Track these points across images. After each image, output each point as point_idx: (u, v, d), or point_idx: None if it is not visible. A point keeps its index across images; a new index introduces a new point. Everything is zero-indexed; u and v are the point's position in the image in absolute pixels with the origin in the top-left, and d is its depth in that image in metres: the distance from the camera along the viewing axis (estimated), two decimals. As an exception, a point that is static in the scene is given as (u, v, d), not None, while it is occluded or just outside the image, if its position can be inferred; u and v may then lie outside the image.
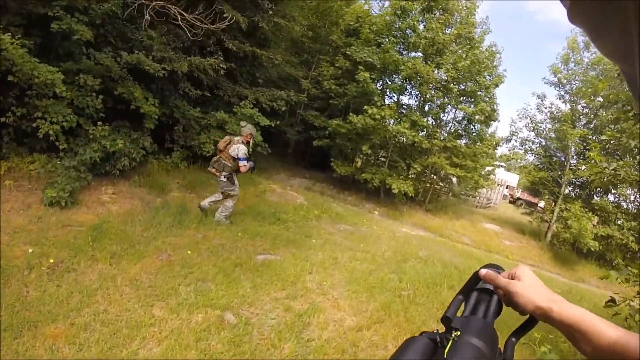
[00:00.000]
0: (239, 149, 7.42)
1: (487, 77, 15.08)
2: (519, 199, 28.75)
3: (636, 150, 7.62)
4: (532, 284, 0.78)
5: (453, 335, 0.72)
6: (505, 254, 13.47)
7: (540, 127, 16.86)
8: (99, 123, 8.01)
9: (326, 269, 6.87)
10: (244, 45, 11.45)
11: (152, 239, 6.71)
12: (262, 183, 12.61)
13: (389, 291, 6.52)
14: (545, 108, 16.99)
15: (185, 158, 10.54)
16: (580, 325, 0.66)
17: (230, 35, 11.29)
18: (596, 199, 15.60)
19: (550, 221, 15.66)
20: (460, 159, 14.69)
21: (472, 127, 16.12)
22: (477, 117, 15.14)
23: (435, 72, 13.91)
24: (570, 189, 16.73)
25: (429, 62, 14.23)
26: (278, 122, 12.26)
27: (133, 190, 8.65)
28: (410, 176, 15.15)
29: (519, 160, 18.06)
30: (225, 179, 7.71)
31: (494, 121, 16.59)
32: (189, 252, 6.38)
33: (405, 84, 14.84)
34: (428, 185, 16.29)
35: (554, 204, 15.98)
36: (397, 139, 14.54)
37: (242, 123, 8.10)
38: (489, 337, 0.73)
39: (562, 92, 16.43)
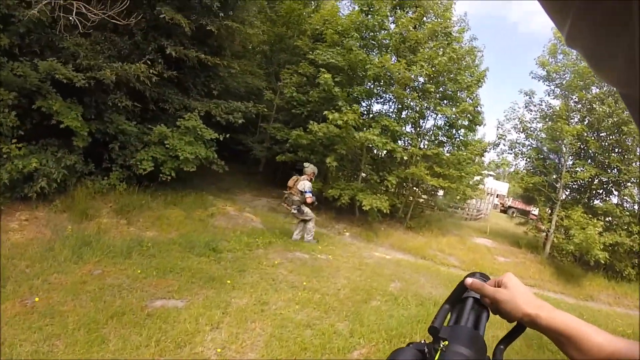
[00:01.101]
0: (305, 185, 8.96)
1: (469, 76, 13.66)
2: (510, 207, 27.17)
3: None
4: (519, 291, 0.78)
5: (441, 345, 0.69)
6: (500, 275, 11.74)
7: (531, 127, 15.30)
8: (14, 141, 7.34)
9: (244, 320, 5.17)
10: (187, 51, 10.19)
11: (32, 277, 5.41)
12: (215, 205, 11.15)
13: (330, 354, 4.75)
14: (535, 106, 15.45)
15: (124, 179, 9.44)
16: (568, 331, 0.65)
17: (175, 41, 10.16)
18: (597, 202, 13.96)
19: (548, 231, 13.99)
20: (444, 168, 13.13)
21: (455, 132, 14.63)
22: (459, 121, 13.70)
23: (411, 74, 12.44)
24: (567, 193, 15.14)
25: (399, 59, 12.78)
26: (228, 135, 10.75)
27: (50, 216, 7.58)
28: (388, 190, 13.50)
29: (508, 167, 16.37)
30: (296, 211, 9.15)
31: (479, 125, 15.16)
32: (36, 299, 4.76)
33: (375, 87, 13.31)
34: (411, 199, 14.66)
35: (550, 211, 14.31)
36: (367, 149, 13.00)
37: (306, 164, 9.45)
38: (477, 345, 0.71)
39: (553, 87, 14.93)
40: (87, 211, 7.95)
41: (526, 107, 15.58)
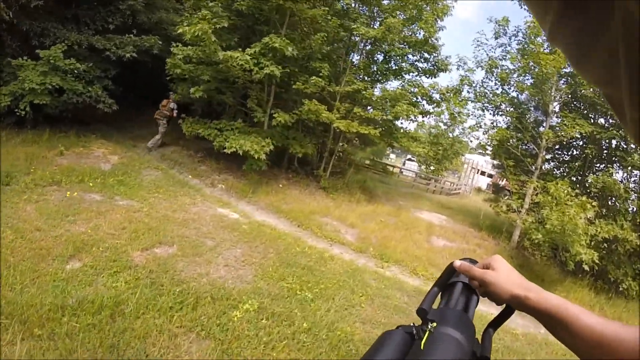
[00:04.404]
0: (174, 105, 9.31)
1: None
2: (503, 187, 19.84)
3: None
4: (507, 273, 0.63)
5: (429, 326, 0.56)
6: (414, 266, 6.37)
7: (504, 67, 8.88)
8: None
9: None
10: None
11: None
12: (86, 146, 7.92)
13: None
14: (510, 38, 8.90)
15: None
16: (558, 313, 0.52)
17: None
18: (594, 176, 7.64)
19: (520, 211, 8.19)
20: (366, 110, 7.82)
21: (395, 69, 9.06)
22: (391, 49, 8.20)
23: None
24: (552, 164, 9.02)
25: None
26: (88, 65, 8.02)
27: None
28: (283, 135, 8.27)
29: (469, 116, 10.13)
30: (165, 121, 9.20)
31: (444, 71, 9.44)
32: None
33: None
34: (329, 152, 9.27)
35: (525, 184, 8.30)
36: (269, 83, 8.01)
37: (172, 93, 9.49)
38: (466, 328, 0.57)
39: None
40: None
41: (496, 38, 9.02)
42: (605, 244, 6.79)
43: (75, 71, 7.79)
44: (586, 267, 6.24)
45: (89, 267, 3.75)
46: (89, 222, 4.78)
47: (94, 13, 8.78)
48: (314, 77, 7.32)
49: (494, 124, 9.17)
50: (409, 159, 21.96)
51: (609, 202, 7.42)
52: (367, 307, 4.32)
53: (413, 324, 0.59)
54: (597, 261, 6.29)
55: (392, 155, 31.03)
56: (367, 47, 9.06)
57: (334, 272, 5.07)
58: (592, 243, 6.55)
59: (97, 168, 6.95)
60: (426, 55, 9.04)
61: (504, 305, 0.62)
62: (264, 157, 7.06)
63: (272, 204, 7.16)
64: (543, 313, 0.54)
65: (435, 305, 0.64)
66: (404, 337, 0.56)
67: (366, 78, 9.01)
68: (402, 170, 17.49)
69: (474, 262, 0.70)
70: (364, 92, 7.68)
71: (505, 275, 0.62)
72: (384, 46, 8.42)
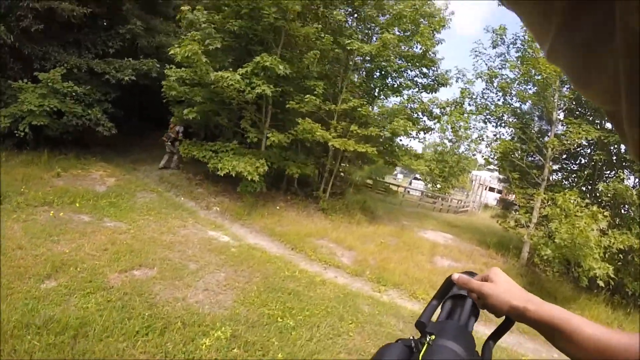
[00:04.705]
0: (180, 128, 9.38)
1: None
2: (512, 202, 18.81)
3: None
4: (506, 285, 0.61)
5: (428, 339, 0.55)
6: (414, 289, 5.89)
7: (503, 76, 8.49)
8: None
9: None
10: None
11: None
12: (85, 169, 7.98)
13: None
14: (509, 46, 8.47)
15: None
16: (558, 324, 0.51)
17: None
18: (604, 183, 7.06)
19: (528, 226, 7.67)
20: (364, 128, 7.58)
21: (392, 83, 8.86)
22: (387, 64, 8.00)
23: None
24: (560, 174, 8.50)
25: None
26: (86, 87, 8.11)
27: None
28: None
29: (469, 129, 9.72)
30: (169, 143, 9.35)
31: (445, 86, 9.20)
32: None
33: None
34: (329, 172, 8.96)
35: (535, 198, 7.78)
36: (267, 103, 7.89)
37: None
38: (466, 340, 0.56)
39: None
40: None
41: (494, 47, 8.62)
42: (621, 256, 6.24)
43: (74, 94, 7.85)
44: (601, 283, 5.70)
45: (63, 286, 3.69)
46: (72, 242, 4.74)
47: (95, 37, 8.94)
48: (308, 96, 7.17)
49: (497, 136, 8.84)
50: (415, 178, 21.49)
51: (622, 211, 6.91)
52: (355, 335, 3.94)
53: (412, 336, 0.57)
54: (612, 275, 5.76)
55: (400, 175, 30.60)
56: (366, 65, 8.90)
57: (323, 298, 4.71)
58: (607, 255, 6.02)
59: (91, 190, 6.97)
60: (425, 70, 8.85)
61: (504, 318, 0.60)
62: (258, 178, 6.86)
63: (267, 226, 6.89)
64: (543, 324, 0.53)
65: (434, 319, 0.62)
66: (403, 350, 0.55)
67: (365, 96, 8.81)
68: (409, 190, 17.06)
69: (472, 274, 0.67)
70: (359, 109, 7.49)
71: (504, 287, 0.60)
72: (381, 62, 8.22)
